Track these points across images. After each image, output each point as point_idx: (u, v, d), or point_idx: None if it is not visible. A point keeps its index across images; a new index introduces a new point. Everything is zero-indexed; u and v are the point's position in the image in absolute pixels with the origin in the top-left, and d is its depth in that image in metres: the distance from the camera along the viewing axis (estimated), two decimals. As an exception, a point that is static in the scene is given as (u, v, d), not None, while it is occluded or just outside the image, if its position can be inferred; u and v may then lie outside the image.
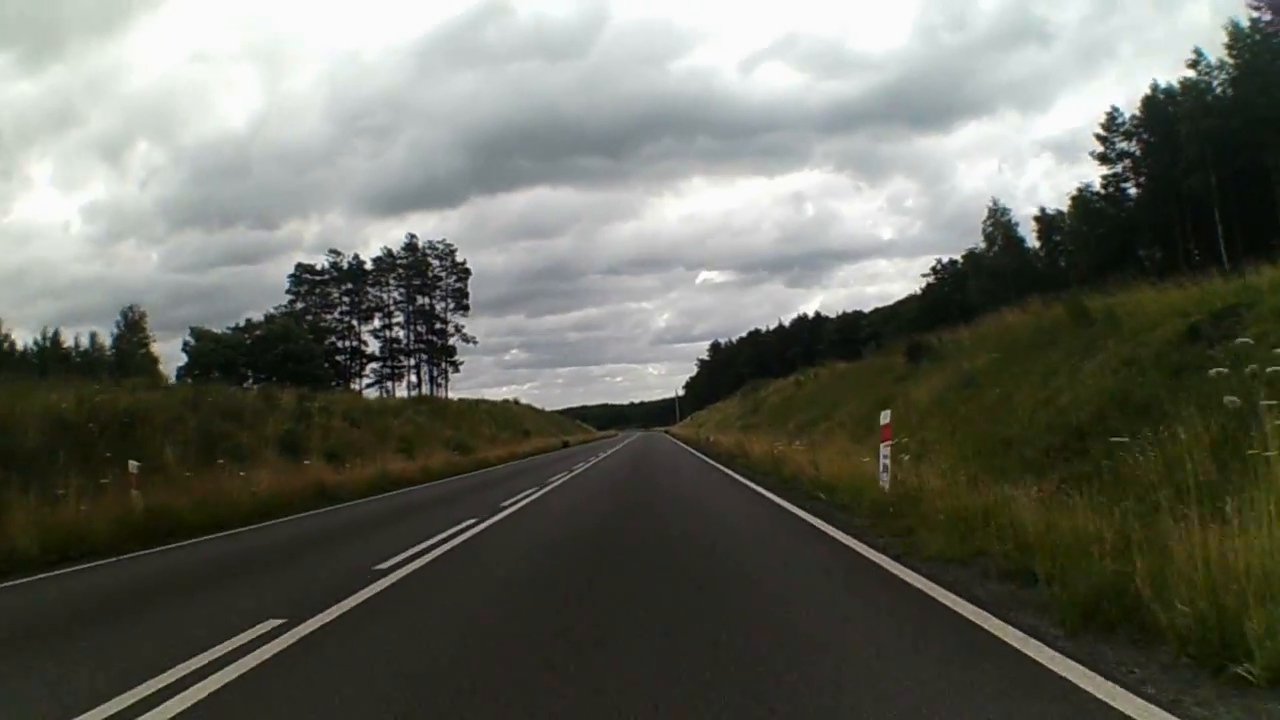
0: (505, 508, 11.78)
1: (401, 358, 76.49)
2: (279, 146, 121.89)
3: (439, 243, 79.26)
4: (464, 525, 9.57)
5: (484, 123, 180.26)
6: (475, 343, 79.89)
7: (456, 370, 78.66)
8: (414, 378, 76.03)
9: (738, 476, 16.12)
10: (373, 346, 75.36)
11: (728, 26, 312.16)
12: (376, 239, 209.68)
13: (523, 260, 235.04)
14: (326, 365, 62.20)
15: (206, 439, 16.99)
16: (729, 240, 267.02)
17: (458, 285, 79.17)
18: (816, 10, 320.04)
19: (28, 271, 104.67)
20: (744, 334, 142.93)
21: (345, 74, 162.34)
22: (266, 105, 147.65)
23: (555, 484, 16.66)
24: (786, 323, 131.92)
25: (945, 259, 78.45)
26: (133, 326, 55.61)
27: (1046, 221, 62.00)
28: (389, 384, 73.89)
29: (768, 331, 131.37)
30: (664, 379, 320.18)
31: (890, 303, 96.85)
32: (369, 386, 69.81)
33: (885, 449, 8.95)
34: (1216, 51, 47.80)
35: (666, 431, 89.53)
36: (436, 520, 10.29)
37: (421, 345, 77.46)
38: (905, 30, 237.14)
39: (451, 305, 78.79)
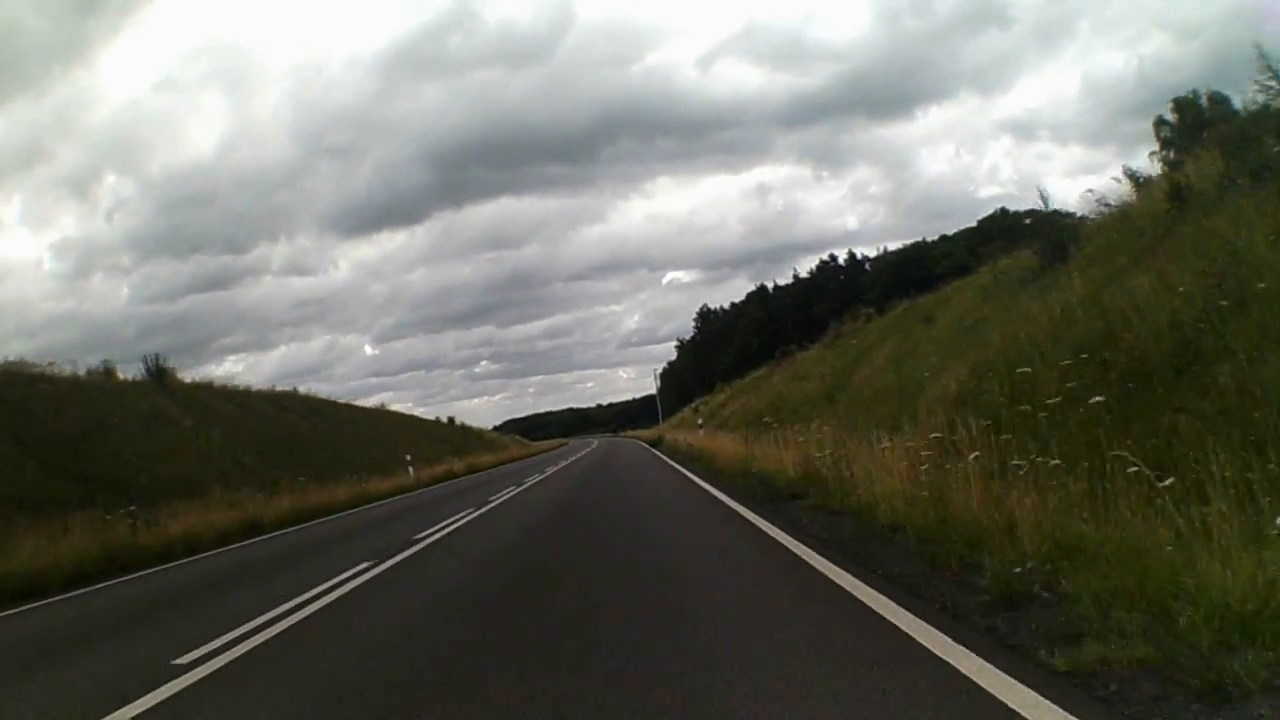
0: None
1: None
2: (244, 170, 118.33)
3: None
4: None
5: (447, 135, 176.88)
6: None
7: None
8: None
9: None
10: None
11: (685, 21, 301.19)
12: (344, 259, 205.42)
13: (489, 271, 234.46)
14: None
15: None
16: (695, 239, 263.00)
17: None
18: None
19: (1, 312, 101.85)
20: (741, 298, 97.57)
21: (307, 93, 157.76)
22: (232, 129, 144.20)
23: None
24: (803, 272, 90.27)
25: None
26: None
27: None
28: None
29: (778, 288, 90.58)
30: (634, 382, 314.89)
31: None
32: None
33: None
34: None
35: (653, 447, 39.71)
36: None
37: None
38: (866, 18, 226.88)
39: None
